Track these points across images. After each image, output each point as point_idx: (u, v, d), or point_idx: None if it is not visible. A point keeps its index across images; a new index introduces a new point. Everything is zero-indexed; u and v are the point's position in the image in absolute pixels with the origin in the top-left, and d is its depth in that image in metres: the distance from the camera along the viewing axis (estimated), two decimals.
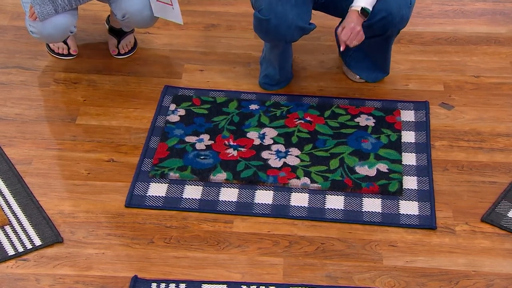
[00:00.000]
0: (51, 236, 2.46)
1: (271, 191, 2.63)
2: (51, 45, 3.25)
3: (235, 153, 2.76)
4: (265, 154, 2.76)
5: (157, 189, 2.63)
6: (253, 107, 2.97)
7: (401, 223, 2.52)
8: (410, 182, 2.66)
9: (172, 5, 2.89)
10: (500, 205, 2.57)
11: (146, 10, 2.96)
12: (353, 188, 2.63)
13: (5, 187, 2.63)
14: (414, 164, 2.74)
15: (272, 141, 2.81)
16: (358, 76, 3.10)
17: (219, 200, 2.60)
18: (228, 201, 2.59)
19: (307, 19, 2.81)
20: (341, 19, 2.92)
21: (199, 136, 2.84)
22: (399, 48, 3.29)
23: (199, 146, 2.79)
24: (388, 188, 2.62)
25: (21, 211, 2.54)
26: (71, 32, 2.97)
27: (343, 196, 2.61)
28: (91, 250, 2.43)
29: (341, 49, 2.82)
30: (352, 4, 2.78)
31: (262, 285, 2.32)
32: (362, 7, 2.75)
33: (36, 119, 2.94)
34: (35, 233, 2.47)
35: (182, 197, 2.60)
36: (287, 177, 2.66)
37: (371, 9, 2.77)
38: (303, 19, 2.78)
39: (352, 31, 2.76)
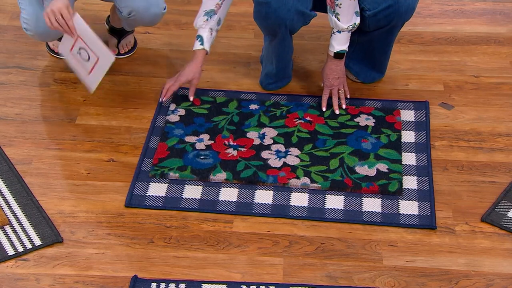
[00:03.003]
0: (51, 236, 2.46)
1: (271, 191, 2.63)
2: (51, 45, 3.25)
3: (235, 153, 2.76)
4: (265, 154, 2.76)
5: (157, 189, 2.63)
6: (253, 107, 2.97)
7: (401, 223, 2.52)
8: (410, 182, 2.66)
9: (98, 58, 2.76)
10: (500, 205, 2.57)
11: (153, 7, 2.95)
12: (353, 188, 2.63)
13: (5, 187, 2.63)
14: (414, 164, 2.74)
15: (272, 141, 2.81)
16: (355, 77, 3.11)
17: (219, 200, 2.60)
18: (228, 201, 2.59)
19: (307, 5, 2.80)
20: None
21: (199, 136, 2.84)
22: (399, 48, 3.30)
23: (199, 146, 2.79)
24: (388, 188, 2.62)
25: (21, 211, 2.54)
26: None
27: (343, 196, 2.61)
28: (91, 250, 2.43)
29: (323, 108, 2.94)
30: (329, 46, 2.84)
31: (262, 285, 2.32)
32: (335, 52, 2.83)
33: (36, 119, 2.94)
34: (35, 233, 2.47)
35: (182, 197, 2.60)
36: (287, 177, 2.66)
37: (346, 48, 2.84)
38: (303, 4, 2.78)
39: (337, 86, 2.92)
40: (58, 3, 2.64)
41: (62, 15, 2.66)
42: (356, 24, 2.78)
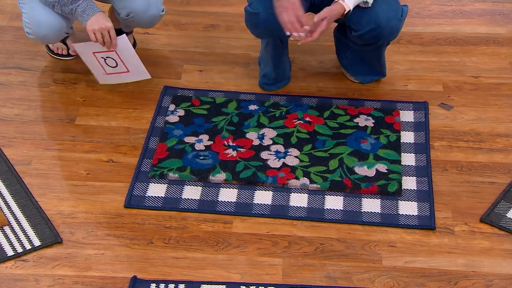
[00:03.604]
0: (50, 236, 2.46)
1: (270, 192, 2.63)
2: (50, 45, 3.25)
3: (234, 153, 2.76)
4: (264, 155, 2.76)
5: (156, 190, 2.63)
6: (252, 107, 2.97)
7: (400, 223, 2.52)
8: (409, 183, 2.66)
9: (128, 71, 2.94)
10: (499, 206, 2.57)
11: (152, 9, 2.96)
12: (352, 189, 2.63)
13: (4, 187, 2.63)
14: (413, 164, 2.74)
15: (271, 142, 2.81)
16: (353, 78, 3.11)
17: (218, 200, 2.60)
18: (227, 201, 2.59)
19: None
20: (336, 23, 2.95)
21: (198, 137, 2.84)
22: (398, 48, 3.30)
23: (199, 146, 2.79)
24: (387, 188, 2.62)
25: (20, 212, 2.54)
26: (67, 33, 2.98)
27: (342, 197, 2.61)
28: (90, 250, 2.43)
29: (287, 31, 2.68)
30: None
31: (261, 286, 2.32)
32: (350, 10, 2.72)
33: (35, 119, 2.94)
34: (34, 233, 2.47)
35: (182, 198, 2.61)
36: (286, 177, 2.66)
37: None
38: None
39: (328, 21, 2.69)
40: (107, 23, 2.80)
41: (109, 34, 2.81)
42: (370, 3, 2.76)
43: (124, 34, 2.90)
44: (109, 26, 2.80)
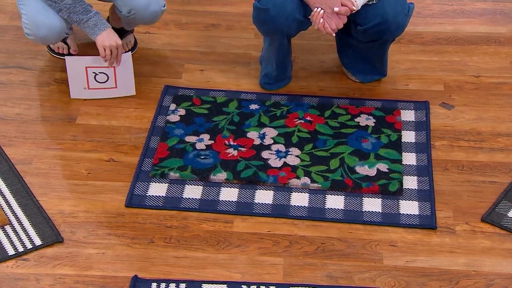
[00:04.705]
0: (51, 236, 2.46)
1: (271, 191, 2.63)
2: (51, 44, 3.25)
3: (235, 153, 2.76)
4: (265, 154, 2.76)
5: (157, 189, 2.63)
6: (253, 107, 2.97)
7: (401, 223, 2.52)
8: (410, 182, 2.66)
9: (116, 87, 2.98)
10: (500, 205, 2.57)
11: (153, 5, 2.97)
12: (353, 188, 2.63)
13: (5, 187, 2.63)
14: (414, 164, 2.74)
15: (272, 141, 2.81)
16: (355, 77, 3.11)
17: (219, 200, 2.60)
18: (228, 201, 2.59)
19: (305, 13, 2.81)
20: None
21: (199, 136, 2.84)
22: (399, 48, 3.30)
23: (199, 146, 2.79)
24: (388, 188, 2.62)
25: (21, 211, 2.54)
26: (67, 34, 2.98)
27: (343, 196, 2.61)
28: (91, 250, 2.43)
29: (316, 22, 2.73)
30: None
31: (262, 285, 2.32)
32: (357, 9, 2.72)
33: (36, 119, 2.94)
34: (35, 233, 2.47)
35: (182, 197, 2.60)
36: (287, 177, 2.66)
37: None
38: (301, 12, 2.79)
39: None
40: (118, 40, 2.89)
41: (118, 51, 2.89)
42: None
43: (130, 52, 2.98)
44: (119, 43, 2.89)
